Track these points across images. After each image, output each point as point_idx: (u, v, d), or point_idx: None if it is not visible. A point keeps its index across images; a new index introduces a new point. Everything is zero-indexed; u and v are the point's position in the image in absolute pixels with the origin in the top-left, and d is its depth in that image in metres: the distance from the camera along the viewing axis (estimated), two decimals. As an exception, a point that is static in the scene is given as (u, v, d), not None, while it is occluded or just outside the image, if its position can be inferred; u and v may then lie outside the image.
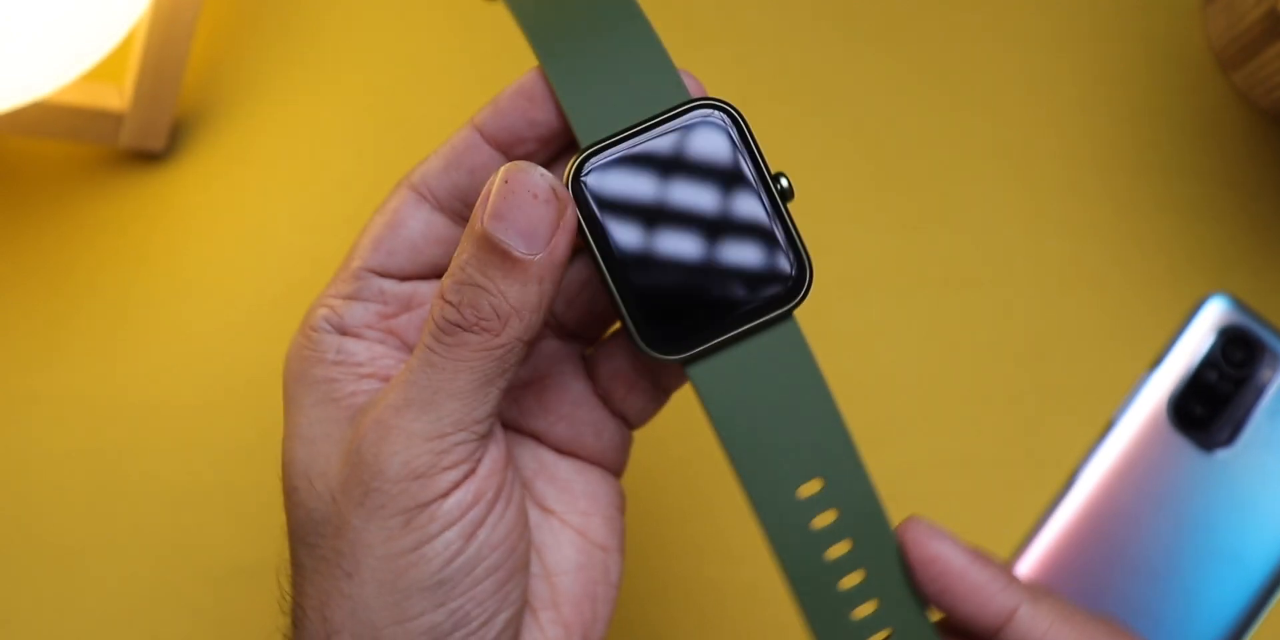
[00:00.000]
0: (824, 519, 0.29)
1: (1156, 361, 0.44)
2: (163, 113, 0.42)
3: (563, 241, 0.27)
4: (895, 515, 0.43)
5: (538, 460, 0.31)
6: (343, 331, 0.29)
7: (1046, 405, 0.44)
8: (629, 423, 0.32)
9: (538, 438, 0.31)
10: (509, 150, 0.29)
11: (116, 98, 0.42)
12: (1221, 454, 0.43)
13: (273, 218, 0.44)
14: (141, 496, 0.42)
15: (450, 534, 0.27)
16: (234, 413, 0.43)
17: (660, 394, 0.31)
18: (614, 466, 0.32)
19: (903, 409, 0.44)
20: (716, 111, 0.28)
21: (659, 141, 0.28)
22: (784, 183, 0.29)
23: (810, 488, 0.29)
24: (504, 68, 0.46)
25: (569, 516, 0.31)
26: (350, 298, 0.29)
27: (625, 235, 0.28)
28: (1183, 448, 0.43)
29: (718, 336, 0.29)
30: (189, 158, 0.44)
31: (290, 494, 0.29)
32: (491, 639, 0.28)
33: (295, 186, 0.44)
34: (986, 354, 0.44)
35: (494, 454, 0.28)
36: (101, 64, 0.44)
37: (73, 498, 0.42)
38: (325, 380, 0.29)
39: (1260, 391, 0.43)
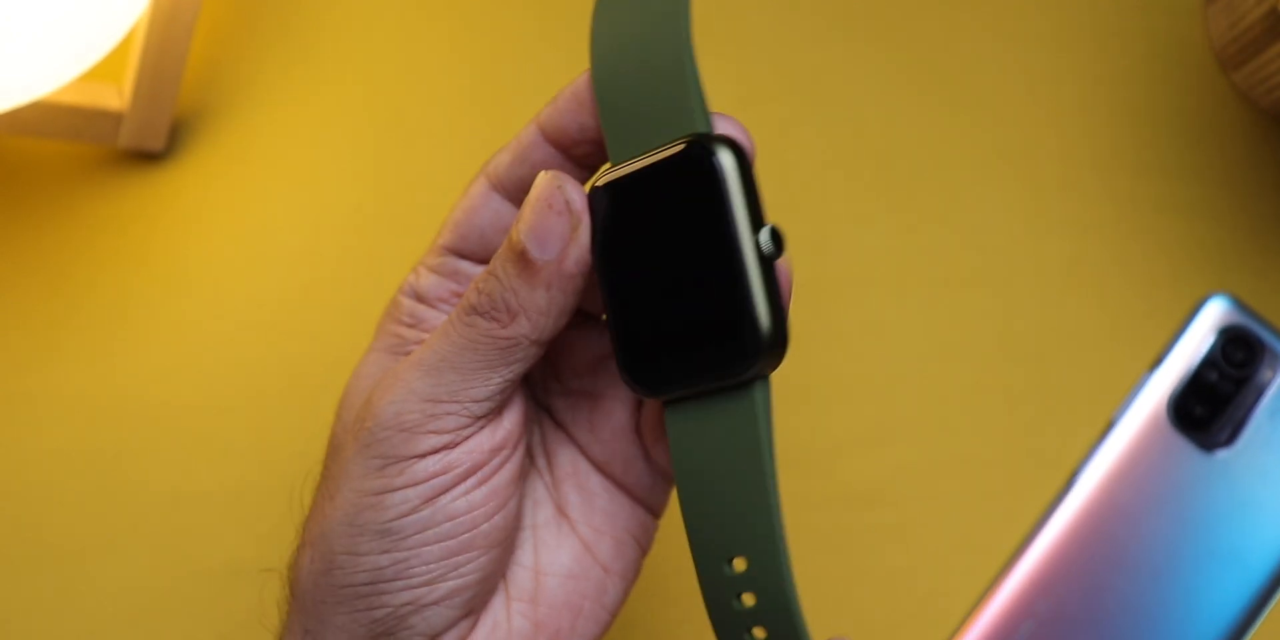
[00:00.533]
0: (748, 599, 0.28)
1: (1157, 361, 0.44)
2: (162, 112, 0.42)
3: (573, 253, 0.28)
4: (886, 517, 0.43)
5: (574, 465, 0.32)
6: (419, 299, 0.32)
7: (1046, 405, 0.44)
8: (662, 472, 0.31)
9: (581, 448, 0.32)
10: (568, 150, 0.30)
11: (116, 97, 0.42)
12: (1221, 454, 0.43)
13: (272, 218, 0.44)
14: (140, 496, 0.42)
15: (410, 492, 0.28)
16: (233, 413, 0.43)
17: None
18: (645, 502, 0.32)
19: (903, 409, 0.44)
20: (720, 152, 0.26)
21: (657, 176, 0.27)
22: (766, 236, 0.26)
23: (740, 564, 0.28)
24: (503, 68, 0.46)
25: (580, 527, 0.31)
26: (432, 270, 0.32)
27: (619, 263, 0.28)
28: (1183, 448, 0.43)
29: (684, 387, 0.28)
30: (188, 158, 0.44)
31: (334, 421, 0.32)
32: (432, 600, 0.29)
33: (295, 186, 0.44)
34: (986, 354, 0.44)
35: (484, 438, 0.29)
36: (101, 64, 0.44)
37: (72, 498, 0.42)
38: (394, 335, 0.32)
39: (1260, 391, 0.43)
